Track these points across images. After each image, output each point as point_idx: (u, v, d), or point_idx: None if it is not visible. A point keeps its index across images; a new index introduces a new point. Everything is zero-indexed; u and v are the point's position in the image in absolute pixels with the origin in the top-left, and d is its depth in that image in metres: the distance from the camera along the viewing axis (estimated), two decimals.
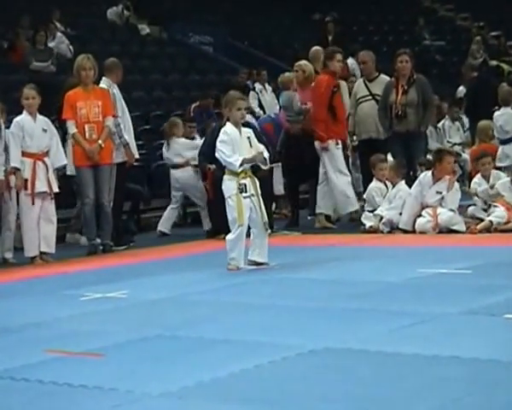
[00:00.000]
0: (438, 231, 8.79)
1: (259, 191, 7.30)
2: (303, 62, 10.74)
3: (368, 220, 9.37)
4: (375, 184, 9.60)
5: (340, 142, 9.96)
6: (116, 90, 9.49)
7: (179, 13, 20.30)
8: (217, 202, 9.77)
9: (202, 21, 20.72)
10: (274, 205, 11.14)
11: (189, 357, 4.40)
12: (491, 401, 3.40)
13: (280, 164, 10.86)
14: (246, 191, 7.18)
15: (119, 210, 9.77)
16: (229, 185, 7.21)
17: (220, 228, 9.67)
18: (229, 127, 7.31)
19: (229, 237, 7.19)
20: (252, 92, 13.43)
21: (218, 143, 7.31)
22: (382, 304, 5.45)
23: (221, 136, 7.32)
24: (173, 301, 6.06)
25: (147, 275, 7.33)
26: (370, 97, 10.43)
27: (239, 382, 3.90)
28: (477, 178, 9.34)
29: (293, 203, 10.81)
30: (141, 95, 15.02)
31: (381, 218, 9.22)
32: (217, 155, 7.34)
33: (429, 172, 9.03)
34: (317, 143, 9.96)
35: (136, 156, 9.89)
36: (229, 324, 5.15)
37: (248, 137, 7.35)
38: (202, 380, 3.90)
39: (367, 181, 10.21)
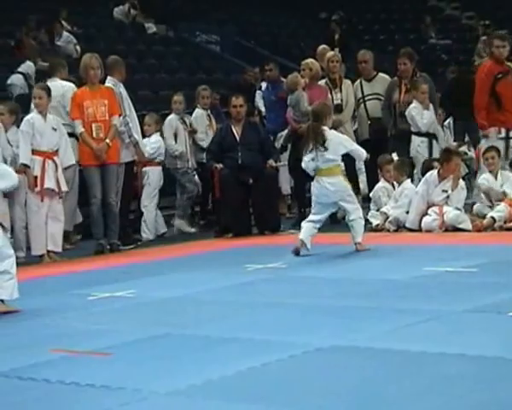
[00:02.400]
0: (444, 230, 8.79)
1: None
2: (310, 61, 10.76)
3: (374, 219, 9.39)
4: (382, 184, 9.61)
5: (503, 130, 9.60)
6: (122, 89, 9.51)
7: (186, 11, 20.31)
8: (224, 200, 9.82)
9: (209, 20, 20.73)
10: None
11: (196, 355, 4.42)
12: (497, 399, 3.41)
13: (286, 163, 10.87)
14: None
15: (126, 209, 9.80)
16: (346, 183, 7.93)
17: (227, 227, 9.72)
18: None
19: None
20: (258, 91, 13.41)
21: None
22: (389, 302, 5.46)
23: None
24: (181, 300, 6.08)
25: (154, 274, 7.35)
26: (370, 97, 10.47)
27: (246, 380, 3.92)
28: (485, 175, 9.33)
29: (299, 202, 10.82)
30: (147, 94, 15.03)
31: (387, 216, 9.23)
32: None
33: (435, 171, 9.04)
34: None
35: (146, 155, 9.93)
36: (236, 322, 5.16)
37: None
38: (210, 378, 3.92)
39: (371, 181, 10.23)
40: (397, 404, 3.44)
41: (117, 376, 4.11)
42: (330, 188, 7.71)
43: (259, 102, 13.06)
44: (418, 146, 9.90)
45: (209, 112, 11.19)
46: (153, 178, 10.36)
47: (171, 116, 10.66)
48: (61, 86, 9.53)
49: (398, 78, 10.11)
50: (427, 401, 3.44)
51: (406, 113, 9.84)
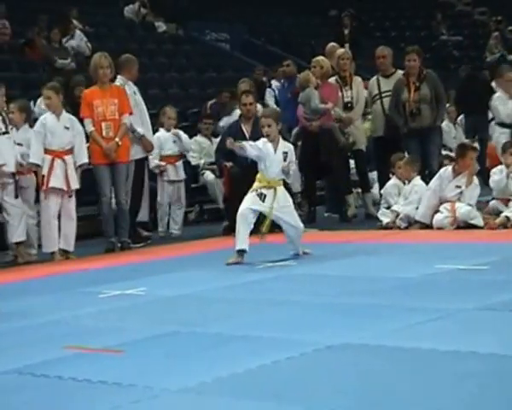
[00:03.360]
0: (456, 227, 8.77)
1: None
2: (320, 58, 10.76)
3: (384, 217, 9.38)
4: (393, 182, 9.60)
5: None
6: (128, 87, 9.52)
7: (195, 10, 20.33)
8: (233, 198, 9.81)
9: (219, 18, 20.75)
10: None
11: (206, 353, 4.43)
12: (509, 396, 3.41)
13: (296, 161, 10.86)
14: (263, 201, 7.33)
15: (137, 207, 9.83)
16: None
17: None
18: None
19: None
20: (268, 89, 13.42)
21: None
22: (400, 300, 5.45)
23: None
24: (191, 298, 6.09)
25: (164, 272, 7.37)
26: (387, 94, 10.42)
27: (257, 378, 3.92)
28: (497, 169, 9.29)
29: (309, 200, 10.81)
30: (157, 92, 15.06)
31: (398, 214, 9.22)
32: None
33: (450, 167, 9.02)
34: None
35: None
36: (246, 320, 5.17)
37: (285, 153, 7.54)
38: (220, 376, 3.92)
39: (382, 178, 10.21)
40: (408, 402, 3.44)
41: (128, 373, 4.12)
42: None
43: (270, 101, 13.07)
44: (499, 137, 9.81)
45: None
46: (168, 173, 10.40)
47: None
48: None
49: (405, 76, 10.07)
50: (439, 398, 3.43)
51: (490, 103, 9.68)
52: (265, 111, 8.30)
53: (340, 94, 10.55)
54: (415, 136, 9.89)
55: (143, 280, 6.89)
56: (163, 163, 10.37)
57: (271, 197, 7.37)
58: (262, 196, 7.36)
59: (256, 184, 7.46)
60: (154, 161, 10.30)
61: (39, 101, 11.39)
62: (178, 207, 10.46)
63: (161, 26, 18.80)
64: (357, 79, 10.68)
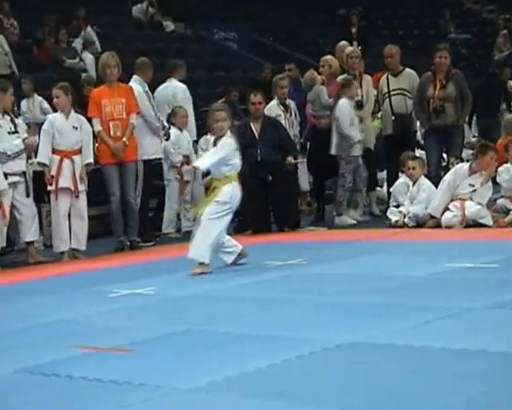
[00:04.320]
0: (465, 225, 8.76)
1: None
2: (329, 57, 10.75)
3: (393, 215, 9.37)
4: (403, 180, 9.59)
5: None
6: (142, 87, 9.61)
7: (203, 9, 20.34)
8: (243, 197, 9.82)
9: (226, 17, 20.75)
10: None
11: (216, 352, 4.44)
12: None
13: (305, 159, 10.87)
14: None
15: (145, 207, 9.85)
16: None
17: (247, 224, 9.73)
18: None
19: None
20: None
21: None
22: (409, 298, 5.45)
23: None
24: (201, 297, 6.10)
25: (174, 271, 7.38)
26: (395, 92, 10.40)
27: (266, 376, 3.93)
28: (504, 167, 9.27)
29: (318, 199, 10.81)
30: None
31: (405, 215, 9.21)
32: None
33: (466, 164, 8.99)
34: None
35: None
36: (256, 319, 5.18)
37: None
38: (230, 375, 3.93)
39: (392, 176, 10.20)
40: (416, 401, 3.44)
41: (139, 372, 4.14)
42: None
43: None
44: None
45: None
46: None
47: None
48: (172, 87, 10.37)
49: (432, 73, 10.02)
50: (449, 397, 3.43)
51: None
52: (217, 105, 8.04)
53: None
54: (436, 133, 9.86)
55: (153, 279, 6.91)
56: (183, 158, 10.35)
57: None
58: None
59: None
60: (177, 157, 10.30)
61: (23, 102, 11.56)
62: (191, 205, 10.48)
63: (169, 26, 18.83)
64: (367, 78, 10.66)
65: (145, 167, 9.53)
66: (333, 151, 10.02)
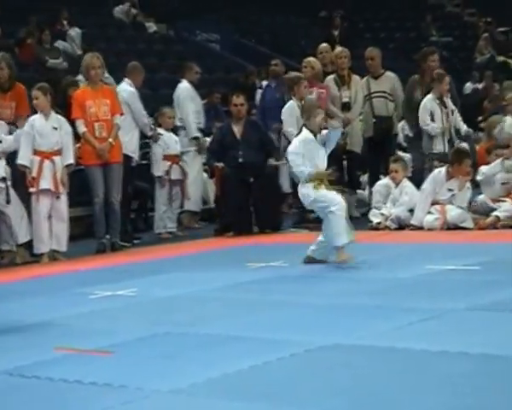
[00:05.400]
0: (446, 228, 8.79)
1: None
2: (312, 59, 10.75)
3: (375, 217, 9.38)
4: (385, 182, 9.60)
5: None
6: (131, 90, 9.72)
7: (186, 10, 20.32)
8: (224, 199, 9.83)
9: (209, 19, 20.75)
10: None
11: (198, 354, 4.42)
12: (499, 396, 3.42)
13: (287, 162, 10.86)
14: None
15: (126, 207, 9.82)
16: (306, 192, 7.05)
17: (228, 225, 9.73)
18: (305, 135, 7.06)
19: (329, 219, 6.90)
20: (259, 90, 13.43)
21: (289, 152, 7.13)
22: (391, 300, 5.47)
23: (294, 145, 7.11)
24: (182, 299, 6.08)
25: (155, 273, 7.36)
26: (376, 95, 10.42)
27: (248, 378, 3.92)
28: (484, 168, 9.31)
29: (300, 201, 10.80)
30: (148, 93, 15.02)
31: (387, 217, 9.23)
32: (289, 162, 7.18)
33: (443, 169, 9.03)
34: None
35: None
36: (238, 321, 5.17)
37: (324, 143, 7.11)
38: (211, 377, 3.92)
39: (373, 179, 10.22)
40: (399, 402, 3.44)
41: (119, 374, 4.11)
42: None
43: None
44: None
45: None
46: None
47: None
48: (177, 87, 10.92)
49: (419, 76, 10.03)
50: (430, 399, 3.44)
51: None
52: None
53: (336, 94, 10.53)
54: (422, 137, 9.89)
55: (135, 281, 6.88)
56: (168, 163, 10.35)
57: None
58: None
59: None
60: (160, 163, 10.31)
61: None
62: (175, 206, 10.47)
63: (152, 27, 18.80)
64: (356, 78, 10.63)
65: (125, 166, 9.48)
66: None
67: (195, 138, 10.83)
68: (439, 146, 9.77)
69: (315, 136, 7.04)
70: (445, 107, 9.85)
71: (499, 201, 8.93)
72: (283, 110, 9.93)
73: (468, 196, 8.98)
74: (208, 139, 10.81)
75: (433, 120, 9.73)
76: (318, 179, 6.98)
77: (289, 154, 7.14)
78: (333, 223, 6.87)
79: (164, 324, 5.19)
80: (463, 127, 9.95)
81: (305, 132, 7.05)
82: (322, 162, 7.04)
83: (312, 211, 8.00)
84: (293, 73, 10.48)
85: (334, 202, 6.90)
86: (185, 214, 11.05)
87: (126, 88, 9.78)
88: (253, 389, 3.75)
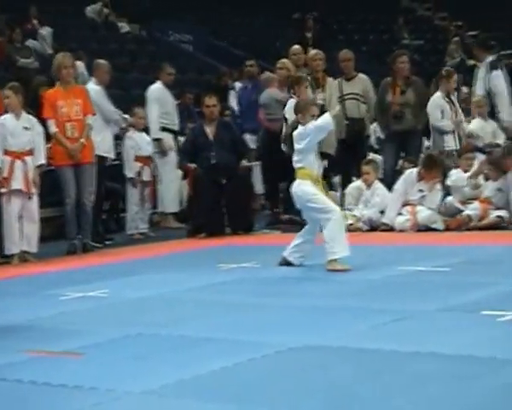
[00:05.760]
0: (416, 230, 8.85)
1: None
2: (286, 60, 10.77)
3: (347, 219, 9.40)
4: (358, 184, 9.64)
5: None
6: (97, 88, 9.61)
7: (159, 11, 20.26)
8: (197, 200, 9.81)
9: (182, 20, 20.71)
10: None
11: (169, 355, 4.41)
12: (468, 397, 3.44)
13: (260, 163, 10.88)
14: None
15: (98, 208, 9.77)
16: (306, 189, 6.83)
17: (200, 227, 9.71)
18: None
19: (328, 227, 6.66)
20: (232, 92, 13.43)
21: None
22: (362, 301, 5.48)
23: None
24: (154, 300, 6.06)
25: (127, 274, 7.33)
26: (349, 97, 10.45)
27: (219, 380, 3.91)
28: (456, 171, 9.38)
29: (272, 202, 10.82)
30: (119, 93, 14.96)
31: (359, 218, 9.27)
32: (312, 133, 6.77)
33: (415, 170, 9.09)
34: None
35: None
36: (209, 322, 5.16)
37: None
38: (183, 378, 3.91)
39: (345, 180, 10.25)
40: (369, 403, 3.46)
41: (90, 376, 4.09)
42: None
43: (233, 103, 13.06)
44: None
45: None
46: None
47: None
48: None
49: (392, 78, 10.09)
50: (398, 399, 3.45)
51: None
52: None
53: (311, 96, 10.53)
54: (395, 138, 9.94)
55: (106, 282, 6.85)
56: (140, 164, 10.31)
57: None
58: None
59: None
60: (132, 163, 10.27)
61: None
62: (147, 207, 10.44)
63: (124, 27, 18.72)
64: (330, 81, 10.66)
65: (98, 166, 9.43)
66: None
67: (157, 140, 10.81)
68: (451, 143, 9.88)
69: None
70: (453, 104, 9.95)
71: (467, 203, 9.00)
72: (286, 109, 9.91)
73: (438, 197, 9.05)
74: (182, 140, 10.80)
75: (442, 117, 9.83)
76: (311, 178, 6.84)
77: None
78: (334, 232, 6.64)
79: (135, 325, 5.16)
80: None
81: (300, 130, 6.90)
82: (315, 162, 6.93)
83: (296, 212, 7.81)
84: (295, 73, 10.41)
85: (334, 210, 6.71)
86: (161, 215, 11.03)
87: (93, 87, 9.72)
88: (225, 391, 3.74)
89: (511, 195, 8.75)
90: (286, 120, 9.72)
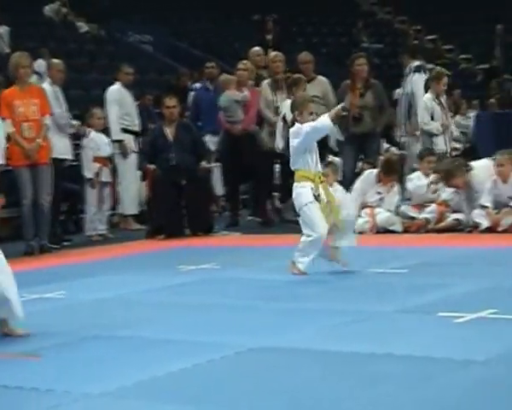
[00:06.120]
0: (375, 232, 8.91)
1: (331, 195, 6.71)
2: (247, 62, 10.79)
3: None
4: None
5: None
6: (49, 88, 9.52)
7: (118, 11, 20.16)
8: (156, 201, 9.77)
9: (142, 20, 20.62)
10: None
11: (127, 357, 4.39)
12: (423, 397, 3.47)
13: (219, 164, 10.88)
14: (319, 201, 6.57)
15: (56, 209, 9.69)
16: (304, 193, 6.60)
17: (160, 228, 9.67)
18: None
19: (305, 239, 6.55)
20: (191, 93, 13.39)
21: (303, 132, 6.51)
22: (321, 303, 5.51)
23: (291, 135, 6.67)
24: (112, 302, 6.02)
25: (85, 276, 7.27)
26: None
27: (177, 381, 3.90)
28: (414, 175, 9.46)
29: (233, 204, 10.83)
30: (79, 93, 14.86)
31: None
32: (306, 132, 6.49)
33: (374, 171, 9.14)
34: None
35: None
36: (169, 324, 5.14)
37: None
38: (141, 380, 3.89)
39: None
40: (327, 404, 3.47)
41: (47, 378, 4.05)
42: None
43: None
44: None
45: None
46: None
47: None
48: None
49: (351, 81, 10.14)
50: (354, 400, 3.47)
51: None
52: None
53: (270, 98, 10.56)
54: (354, 140, 10.00)
55: (63, 284, 6.79)
56: (98, 165, 10.24)
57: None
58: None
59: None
60: (91, 164, 10.19)
61: None
62: (106, 208, 10.38)
63: (83, 27, 18.58)
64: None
65: (55, 168, 9.35)
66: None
67: (118, 141, 10.75)
68: (441, 145, 9.88)
69: None
70: (443, 106, 9.98)
71: (425, 206, 9.08)
72: (283, 109, 9.88)
73: (396, 199, 9.12)
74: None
75: (432, 119, 9.83)
76: (310, 179, 6.58)
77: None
78: (307, 248, 6.54)
79: (93, 327, 5.12)
80: None
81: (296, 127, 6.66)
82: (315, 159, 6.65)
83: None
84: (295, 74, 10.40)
85: (318, 228, 6.53)
86: (120, 217, 10.97)
87: (46, 87, 9.61)
88: (183, 392, 3.73)
89: (465, 200, 8.81)
90: (285, 120, 9.59)
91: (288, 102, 9.71)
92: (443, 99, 10.05)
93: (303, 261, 6.56)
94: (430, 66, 15.01)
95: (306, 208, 6.58)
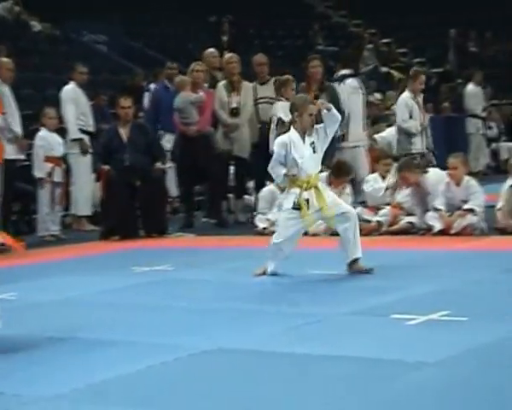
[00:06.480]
0: (330, 234, 8.94)
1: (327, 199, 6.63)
2: (202, 63, 10.77)
3: (261, 222, 9.45)
4: (270, 188, 9.67)
5: None
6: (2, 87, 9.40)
7: (72, 10, 19.96)
8: (110, 202, 9.70)
9: (96, 19, 20.45)
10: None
11: (79, 359, 4.35)
12: (375, 398, 3.50)
13: (174, 165, 10.84)
14: (308, 208, 6.48)
15: (7, 209, 9.56)
16: (286, 199, 6.61)
17: (113, 229, 9.60)
18: (291, 134, 6.56)
19: (275, 241, 6.61)
20: (146, 93, 13.33)
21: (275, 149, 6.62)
22: (275, 305, 5.52)
23: (277, 147, 6.64)
24: (64, 303, 5.96)
25: (37, 277, 7.19)
26: (262, 100, 10.51)
27: (130, 383, 3.88)
28: (371, 177, 9.52)
29: (187, 205, 10.79)
30: (32, 93, 14.69)
31: (273, 222, 9.30)
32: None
33: (325, 174, 9.17)
34: None
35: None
36: (122, 325, 5.11)
37: (312, 143, 6.58)
38: (93, 382, 3.86)
39: (259, 184, 10.29)
40: (281, 406, 3.47)
41: None
42: None
43: (148, 104, 12.94)
44: None
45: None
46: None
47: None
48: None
49: (306, 83, 10.15)
50: (309, 402, 3.49)
51: None
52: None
53: (225, 100, 10.55)
54: None
55: (15, 285, 6.69)
56: (50, 164, 10.12)
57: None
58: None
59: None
60: (42, 164, 10.07)
61: None
62: (58, 209, 10.26)
63: (36, 26, 18.36)
64: (246, 84, 10.67)
65: (6, 168, 9.22)
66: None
67: (78, 140, 10.67)
68: (418, 145, 9.80)
69: (304, 133, 6.56)
70: (420, 105, 9.95)
71: (380, 209, 9.15)
72: (275, 110, 9.84)
73: (349, 201, 9.16)
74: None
75: (410, 117, 9.78)
76: (298, 186, 6.49)
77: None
78: (271, 252, 6.60)
79: (45, 329, 5.07)
80: None
81: (290, 133, 6.60)
82: (310, 163, 6.55)
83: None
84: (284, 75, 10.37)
85: (280, 235, 6.59)
86: (73, 217, 10.86)
87: None
88: (136, 394, 3.71)
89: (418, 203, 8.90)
90: (281, 121, 9.48)
91: (279, 104, 9.79)
92: (420, 98, 10.04)
93: (266, 265, 6.61)
94: (385, 69, 15.09)
95: (281, 214, 6.76)
